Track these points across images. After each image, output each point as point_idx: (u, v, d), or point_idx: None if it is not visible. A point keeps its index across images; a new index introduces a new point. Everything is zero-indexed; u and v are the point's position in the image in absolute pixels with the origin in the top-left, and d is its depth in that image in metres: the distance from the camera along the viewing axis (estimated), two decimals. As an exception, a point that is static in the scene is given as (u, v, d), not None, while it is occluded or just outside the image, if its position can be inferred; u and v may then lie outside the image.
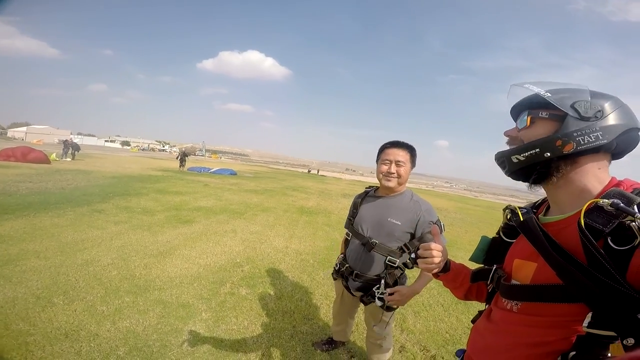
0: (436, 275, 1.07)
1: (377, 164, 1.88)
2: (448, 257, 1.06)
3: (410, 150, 1.81)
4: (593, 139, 0.73)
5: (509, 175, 0.86)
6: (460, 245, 6.91)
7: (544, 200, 0.92)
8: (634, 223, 0.61)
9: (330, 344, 2.47)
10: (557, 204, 0.82)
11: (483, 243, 1.02)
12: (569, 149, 0.74)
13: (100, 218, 5.60)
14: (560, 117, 0.77)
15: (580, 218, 0.67)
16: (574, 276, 0.65)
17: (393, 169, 1.76)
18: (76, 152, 20.82)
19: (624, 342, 0.59)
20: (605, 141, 0.72)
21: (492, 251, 1.00)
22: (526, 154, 0.79)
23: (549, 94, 0.78)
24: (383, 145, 1.86)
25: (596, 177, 0.76)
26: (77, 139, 26.88)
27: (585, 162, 0.76)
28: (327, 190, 16.34)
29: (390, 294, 1.71)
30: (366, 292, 1.86)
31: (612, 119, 0.73)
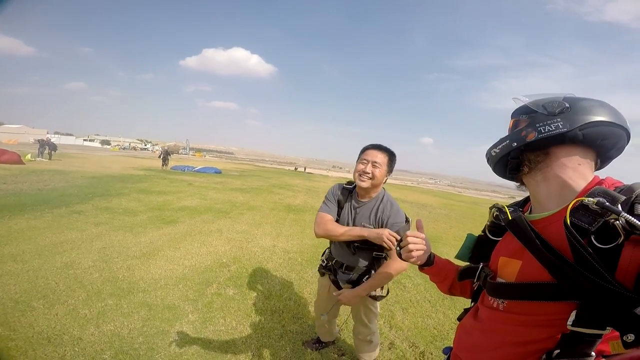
0: (421, 268, 1.10)
1: (356, 163, 1.91)
2: (433, 252, 1.10)
3: (390, 154, 1.85)
4: (553, 128, 0.77)
5: (494, 171, 0.94)
6: (446, 241, 7.04)
7: (529, 199, 0.94)
8: (618, 222, 0.62)
9: (319, 343, 2.47)
10: (539, 201, 0.84)
11: (469, 241, 1.04)
12: (531, 137, 0.80)
13: (80, 219, 5.43)
14: (533, 115, 0.84)
15: (566, 217, 0.68)
16: (567, 273, 0.65)
17: (369, 169, 1.79)
18: (53, 151, 20.12)
19: (624, 338, 0.60)
20: (564, 129, 0.76)
21: (478, 249, 1.02)
22: (500, 145, 0.88)
23: (528, 99, 0.86)
24: (365, 147, 1.89)
25: (577, 172, 0.78)
26: (54, 138, 25.96)
27: (559, 154, 0.79)
28: (314, 188, 16.35)
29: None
30: (355, 285, 1.88)
31: (577, 112, 0.76)
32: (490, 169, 0.96)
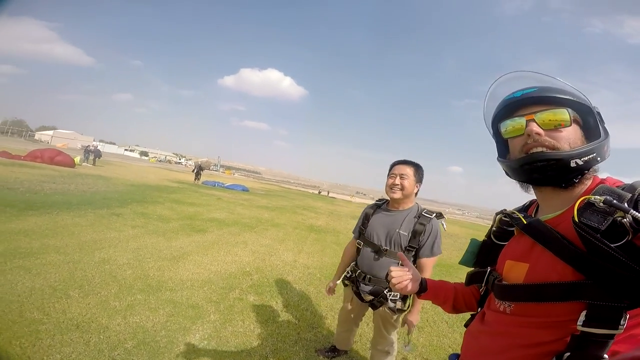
0: (418, 296, 1.09)
1: (386, 179, 2.07)
2: (451, 280, 1.12)
3: (415, 166, 2.03)
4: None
5: (531, 180, 0.83)
6: (467, 269, 6.78)
7: (532, 202, 0.94)
8: (625, 219, 0.61)
9: (333, 351, 2.51)
10: (550, 204, 0.82)
11: (473, 246, 1.03)
12: (607, 155, 0.78)
13: (119, 221, 5.81)
14: (578, 122, 0.78)
15: (574, 215, 0.67)
16: (594, 262, 0.63)
17: (397, 180, 1.97)
18: (97, 158, 21.55)
19: None
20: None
21: (482, 254, 1.01)
22: (586, 158, 0.73)
23: (583, 96, 0.78)
24: (392, 163, 2.08)
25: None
26: (99, 146, 27.90)
27: None
28: (336, 211, 16.33)
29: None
30: (377, 296, 1.96)
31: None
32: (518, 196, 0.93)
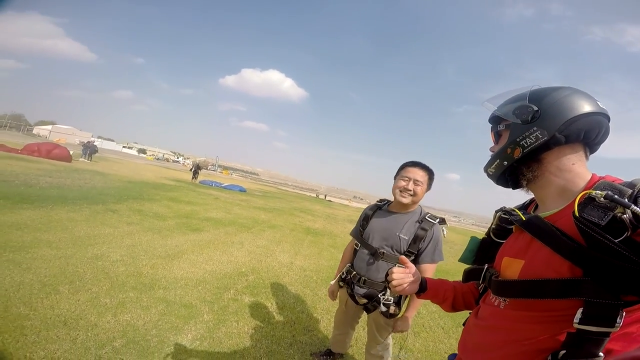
0: (418, 295, 1.09)
1: (394, 179, 1.97)
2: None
3: (430, 172, 1.92)
4: (534, 140, 0.78)
5: (498, 185, 0.93)
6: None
7: (532, 200, 0.95)
8: (625, 215, 0.61)
9: (329, 355, 2.45)
10: (544, 202, 0.84)
11: (472, 244, 1.04)
12: (517, 154, 0.82)
13: (114, 217, 5.74)
14: (510, 125, 0.85)
15: (575, 210, 0.67)
16: (592, 257, 0.64)
17: (410, 186, 1.85)
18: (94, 154, 21.47)
19: None
20: (544, 138, 0.77)
21: (482, 252, 1.01)
22: (493, 165, 0.89)
23: (497, 109, 0.89)
24: (404, 164, 1.96)
25: (573, 173, 0.78)
26: (97, 142, 27.84)
27: (551, 159, 0.80)
28: (333, 215, 16.29)
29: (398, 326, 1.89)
30: (371, 299, 1.89)
31: (549, 116, 0.77)
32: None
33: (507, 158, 0.84)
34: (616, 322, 0.61)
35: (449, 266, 7.06)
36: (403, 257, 1.12)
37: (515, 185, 0.89)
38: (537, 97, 0.81)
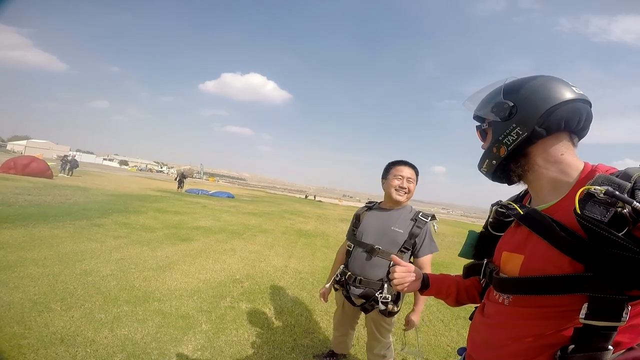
0: (421, 292, 1.09)
1: (386, 179, 2.04)
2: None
3: (416, 170, 2.04)
4: (515, 137, 0.79)
5: (494, 181, 0.94)
6: (458, 267, 6.88)
7: (526, 191, 0.94)
8: (625, 210, 0.60)
9: (331, 356, 2.45)
10: (539, 195, 0.84)
11: (471, 238, 1.03)
12: (503, 152, 0.83)
13: (100, 232, 5.59)
14: (492, 123, 0.87)
15: (576, 207, 0.66)
16: (592, 250, 0.63)
17: (405, 184, 1.95)
18: (74, 168, 20.81)
19: None
20: (526, 134, 0.77)
21: (480, 245, 1.01)
22: (484, 164, 0.91)
23: (476, 108, 0.91)
24: (393, 162, 2.04)
25: (564, 164, 0.78)
26: (76, 156, 27.00)
27: (537, 152, 0.80)
28: (324, 215, 16.31)
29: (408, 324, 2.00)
30: (368, 299, 1.91)
31: (526, 111, 0.78)
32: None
33: (495, 157, 0.86)
34: (622, 316, 0.61)
35: (442, 258, 7.20)
36: (394, 256, 1.13)
37: (508, 181, 0.90)
38: (512, 90, 0.82)
